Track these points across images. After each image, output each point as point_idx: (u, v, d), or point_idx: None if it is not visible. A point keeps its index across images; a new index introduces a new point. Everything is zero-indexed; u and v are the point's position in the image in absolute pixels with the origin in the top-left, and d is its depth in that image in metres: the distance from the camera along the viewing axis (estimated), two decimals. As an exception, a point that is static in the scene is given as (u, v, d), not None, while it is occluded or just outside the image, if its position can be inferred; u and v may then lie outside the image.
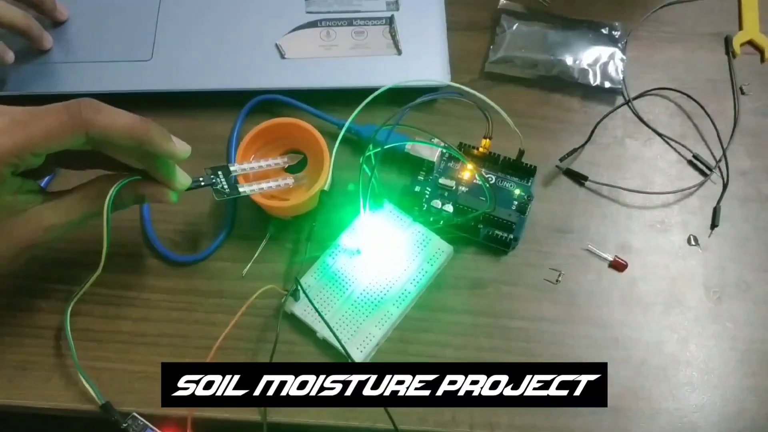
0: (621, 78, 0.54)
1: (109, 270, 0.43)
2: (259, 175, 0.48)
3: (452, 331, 0.47)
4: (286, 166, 0.49)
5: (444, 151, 0.51)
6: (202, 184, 0.44)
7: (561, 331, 0.47)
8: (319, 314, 0.44)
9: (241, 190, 0.45)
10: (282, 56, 0.54)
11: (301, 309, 0.46)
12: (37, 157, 0.38)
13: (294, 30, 0.55)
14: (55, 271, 0.48)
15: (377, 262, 0.47)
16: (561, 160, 0.51)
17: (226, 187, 0.45)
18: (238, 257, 0.49)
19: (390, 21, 0.55)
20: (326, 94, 0.53)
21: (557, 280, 0.48)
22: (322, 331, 0.45)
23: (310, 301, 0.45)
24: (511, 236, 0.48)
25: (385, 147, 0.48)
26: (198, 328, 0.47)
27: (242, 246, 0.49)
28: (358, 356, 0.45)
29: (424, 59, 0.54)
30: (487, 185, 0.47)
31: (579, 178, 0.51)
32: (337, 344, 0.44)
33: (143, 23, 0.55)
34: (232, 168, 0.45)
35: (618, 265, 0.48)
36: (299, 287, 0.45)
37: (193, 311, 0.47)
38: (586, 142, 0.51)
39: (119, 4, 0.56)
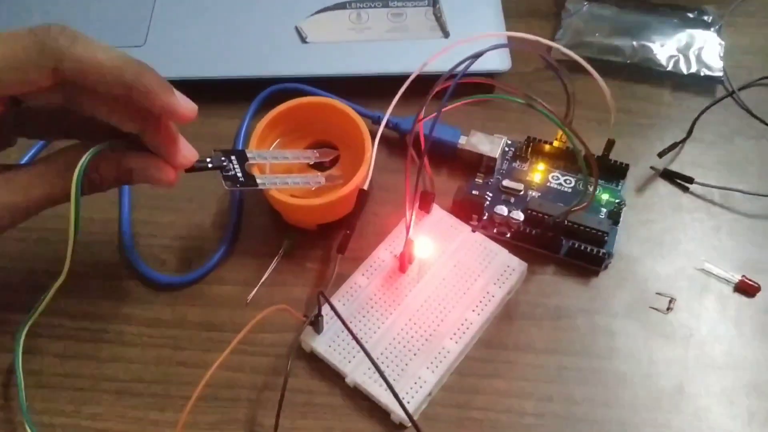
0: (721, 65, 0.44)
1: (72, 294, 0.34)
2: (277, 170, 0.38)
3: (532, 377, 0.35)
4: (315, 161, 0.38)
5: (507, 148, 0.40)
6: (210, 166, 0.34)
7: (676, 375, 0.34)
8: (357, 341, 0.32)
9: (259, 181, 0.35)
10: (303, 40, 0.45)
11: (324, 344, 0.34)
12: None
13: (318, 12, 0.46)
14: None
15: (427, 283, 0.36)
16: (660, 156, 0.40)
17: (240, 174, 0.34)
18: (241, 279, 0.38)
19: (434, 1, 0.46)
20: (356, 83, 0.43)
21: (668, 309, 0.36)
22: (353, 375, 0.33)
23: (341, 319, 0.33)
24: (603, 251, 0.37)
25: (432, 140, 0.37)
26: (184, 371, 0.35)
27: (247, 265, 0.38)
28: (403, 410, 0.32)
29: (478, 42, 0.44)
30: (586, 164, 0.35)
31: (682, 181, 0.40)
32: (379, 394, 0.32)
33: (138, 3, 0.46)
34: (249, 155, 0.35)
35: (747, 288, 0.36)
36: (326, 307, 0.33)
37: (178, 349, 0.36)
38: (686, 138, 0.41)
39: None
